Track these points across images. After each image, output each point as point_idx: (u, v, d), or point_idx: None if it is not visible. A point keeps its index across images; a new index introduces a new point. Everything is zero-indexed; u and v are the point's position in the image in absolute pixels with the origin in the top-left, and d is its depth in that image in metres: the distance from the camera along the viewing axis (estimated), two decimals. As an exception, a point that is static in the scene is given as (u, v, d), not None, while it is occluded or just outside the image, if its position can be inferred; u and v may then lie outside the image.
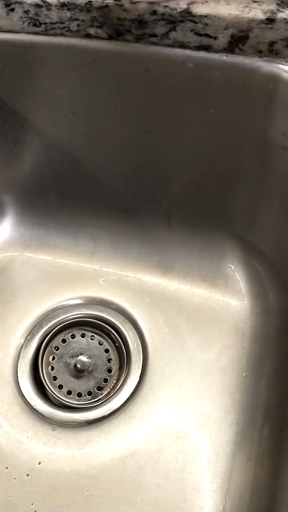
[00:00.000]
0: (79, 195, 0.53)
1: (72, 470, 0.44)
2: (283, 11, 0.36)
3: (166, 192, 0.50)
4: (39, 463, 0.45)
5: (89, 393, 0.50)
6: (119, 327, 0.52)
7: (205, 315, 0.52)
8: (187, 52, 0.39)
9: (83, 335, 0.52)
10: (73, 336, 0.52)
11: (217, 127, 0.43)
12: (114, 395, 0.49)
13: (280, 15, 0.36)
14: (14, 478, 0.44)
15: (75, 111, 0.46)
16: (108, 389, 0.50)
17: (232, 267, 0.51)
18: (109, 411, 0.48)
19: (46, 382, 0.49)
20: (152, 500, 0.42)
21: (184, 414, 0.47)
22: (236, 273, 0.51)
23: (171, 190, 0.50)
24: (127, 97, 0.44)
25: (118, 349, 0.52)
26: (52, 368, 0.50)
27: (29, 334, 0.52)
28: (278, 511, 0.35)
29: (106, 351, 0.52)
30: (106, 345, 0.52)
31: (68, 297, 0.54)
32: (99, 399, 0.49)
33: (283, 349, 0.44)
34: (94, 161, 0.50)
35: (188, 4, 0.37)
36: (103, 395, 0.49)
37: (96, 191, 0.53)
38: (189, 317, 0.52)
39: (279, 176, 0.43)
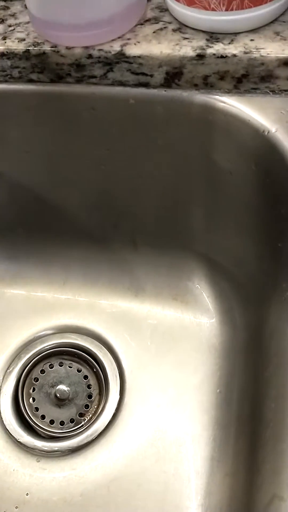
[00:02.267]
0: (47, 227, 0.54)
1: (59, 499, 0.46)
2: (212, 47, 0.37)
3: (128, 217, 0.51)
4: (27, 494, 0.46)
5: (72, 421, 0.51)
6: (95, 353, 0.53)
7: (178, 334, 0.53)
8: (128, 89, 0.40)
9: (61, 364, 0.53)
10: (51, 366, 0.53)
11: (166, 156, 0.44)
12: (95, 421, 0.50)
13: (209, 51, 0.37)
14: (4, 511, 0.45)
15: (30, 150, 0.47)
16: (90, 415, 0.51)
17: (199, 286, 0.52)
18: (91, 438, 0.49)
19: (29, 414, 0.51)
20: (136, 524, 0.43)
21: (163, 434, 0.48)
22: (203, 291, 0.52)
23: (132, 215, 0.51)
24: (77, 133, 0.45)
25: (97, 375, 0.53)
26: (34, 399, 0.52)
27: (8, 367, 0.53)
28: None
29: (85, 377, 0.53)
30: (84, 371, 0.53)
31: (44, 327, 0.55)
32: (82, 426, 0.50)
33: (251, 363, 0.46)
34: (56, 195, 0.51)
35: (121, 46, 0.38)
36: (85, 421, 0.51)
37: (63, 222, 0.54)
38: (163, 337, 0.53)
39: (230, 197, 0.44)
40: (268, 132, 0.37)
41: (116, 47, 0.38)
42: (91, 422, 0.50)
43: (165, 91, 0.40)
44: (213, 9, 0.36)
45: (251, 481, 0.40)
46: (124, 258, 0.55)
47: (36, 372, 0.53)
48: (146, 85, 0.40)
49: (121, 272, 0.55)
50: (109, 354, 0.53)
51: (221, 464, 0.45)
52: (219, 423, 0.47)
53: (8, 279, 0.57)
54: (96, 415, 0.50)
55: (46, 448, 0.49)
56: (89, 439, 0.49)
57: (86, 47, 0.38)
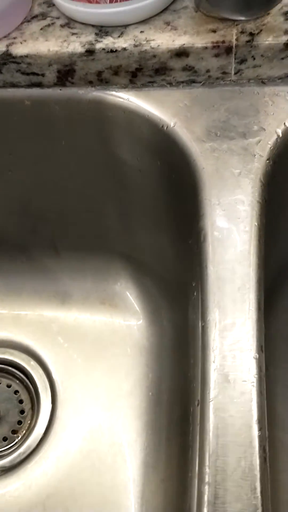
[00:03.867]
0: None
1: (-6, 522, 0.44)
2: (101, 41, 0.35)
3: (46, 222, 0.49)
4: None
5: (4, 439, 0.49)
6: (24, 367, 0.51)
7: (108, 339, 0.51)
8: (21, 90, 0.38)
9: (-11, 381, 0.51)
10: (-21, 384, 0.51)
11: (73, 156, 0.42)
12: (28, 437, 0.48)
13: (99, 46, 0.35)
14: None
15: None
16: (24, 431, 0.49)
17: (125, 286, 0.51)
18: (24, 455, 0.47)
19: None
20: None
21: (98, 445, 0.46)
22: (128, 292, 0.51)
23: (50, 220, 0.49)
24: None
25: (28, 389, 0.51)
26: None
27: None
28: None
29: (16, 392, 0.51)
30: (15, 386, 0.51)
31: None
32: (16, 443, 0.48)
33: (177, 361, 0.45)
34: None
35: (7, 46, 0.36)
36: (18, 438, 0.49)
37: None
38: (93, 344, 0.51)
39: (142, 194, 0.42)
40: (167, 126, 0.36)
41: (1, 47, 0.36)
42: (24, 439, 0.48)
43: (60, 89, 0.38)
44: (97, 2, 0.34)
45: (184, 485, 0.39)
46: (47, 265, 0.53)
47: None
48: (39, 85, 0.38)
49: (45, 280, 0.53)
50: (38, 367, 0.51)
51: (156, 470, 0.44)
52: (152, 428, 0.46)
53: None
54: (29, 431, 0.48)
55: (-24, 472, 0.47)
56: (22, 457, 0.47)
57: None
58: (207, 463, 0.24)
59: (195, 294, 0.33)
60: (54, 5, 0.37)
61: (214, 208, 0.32)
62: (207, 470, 0.24)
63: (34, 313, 0.53)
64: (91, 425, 0.47)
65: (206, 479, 0.24)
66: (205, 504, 0.23)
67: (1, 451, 0.48)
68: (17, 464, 0.47)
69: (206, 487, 0.24)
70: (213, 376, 0.26)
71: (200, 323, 0.28)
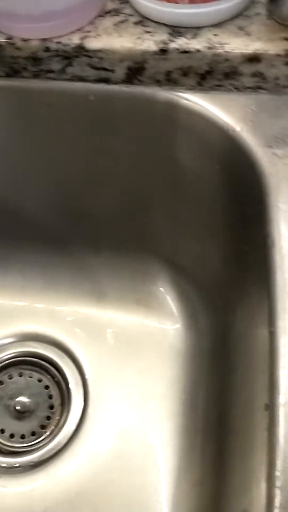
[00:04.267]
0: (5, 231, 0.52)
1: (20, 517, 0.43)
2: (175, 41, 0.35)
3: (89, 219, 0.49)
4: (-13, 513, 0.44)
5: (33, 434, 0.48)
6: (56, 362, 0.51)
7: (142, 340, 0.51)
8: (88, 85, 0.38)
9: (21, 374, 0.51)
10: (10, 377, 0.51)
11: (128, 155, 0.42)
12: (58, 433, 0.48)
13: (172, 46, 0.35)
14: None
15: (-17, 150, 0.44)
16: (52, 427, 0.49)
17: (163, 289, 0.51)
18: (53, 451, 0.47)
19: (-14, 428, 0.48)
20: None
21: (129, 445, 0.46)
22: (167, 295, 0.51)
23: (93, 217, 0.49)
24: (35, 131, 0.43)
25: (58, 384, 0.51)
26: (-8, 413, 0.49)
27: None
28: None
29: (46, 387, 0.50)
30: (45, 381, 0.51)
31: (1, 335, 0.52)
32: (44, 439, 0.48)
33: (217, 368, 0.44)
34: (14, 197, 0.49)
35: (81, 39, 0.36)
36: (47, 434, 0.48)
37: (22, 226, 0.51)
38: (126, 343, 0.51)
39: (194, 198, 0.43)
40: (233, 131, 0.36)
41: (75, 40, 0.36)
42: (53, 435, 0.48)
43: (126, 87, 0.38)
44: (176, 2, 0.34)
45: (219, 491, 0.38)
46: (85, 262, 0.53)
47: (-6, 384, 0.50)
48: (106, 80, 0.38)
49: (82, 277, 0.53)
50: (71, 363, 0.51)
51: (188, 474, 0.43)
52: (185, 431, 0.46)
53: None
54: (59, 427, 0.48)
55: (5, 465, 0.46)
56: (51, 453, 0.47)
57: (44, 40, 0.36)
58: (278, 467, 0.24)
59: (253, 300, 0.33)
60: (127, 2, 0.38)
61: (282, 214, 0.32)
62: (277, 474, 0.24)
63: (69, 309, 0.53)
64: (123, 424, 0.47)
65: (277, 484, 0.24)
66: (277, 508, 0.23)
67: (30, 445, 0.48)
68: (46, 459, 0.46)
69: (278, 491, 0.23)
70: (284, 382, 0.26)
71: (268, 329, 0.28)
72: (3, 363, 0.51)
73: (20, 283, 0.54)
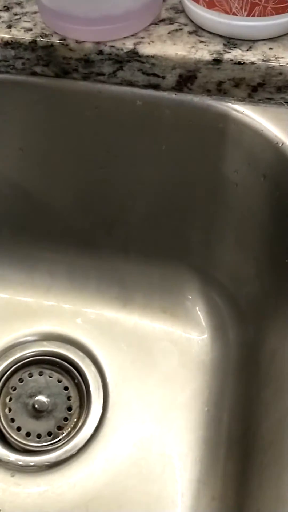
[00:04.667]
0: (34, 229, 0.52)
1: (34, 517, 0.43)
2: (230, 52, 0.36)
3: (123, 224, 0.49)
4: (0, 510, 0.43)
5: (49, 434, 0.48)
6: (78, 364, 0.51)
7: (166, 348, 0.51)
8: (136, 90, 0.39)
9: (41, 373, 0.51)
10: (30, 375, 0.51)
11: (170, 162, 0.42)
12: (75, 435, 0.47)
13: (227, 56, 0.35)
14: (-26, 529, 0.42)
15: (25, 147, 0.45)
16: (69, 429, 0.48)
17: (191, 298, 0.51)
18: (70, 453, 0.47)
19: (4, 425, 0.48)
20: None
21: (147, 453, 0.46)
22: (195, 305, 0.50)
23: (128, 222, 0.49)
24: (78, 132, 0.43)
25: (78, 386, 0.50)
26: (10, 410, 0.49)
27: (-15, 374, 0.50)
28: None
29: (66, 388, 0.50)
30: (65, 382, 0.51)
31: (25, 333, 0.52)
32: (60, 440, 0.48)
33: (243, 381, 0.44)
34: (47, 195, 0.49)
35: (135, 44, 0.36)
36: (63, 435, 0.48)
37: (52, 225, 0.51)
38: (150, 350, 0.51)
39: (233, 209, 0.42)
40: (282, 144, 0.36)
41: (129, 45, 0.36)
42: (71, 436, 0.48)
43: (175, 94, 0.38)
44: (234, 14, 0.35)
45: (242, 505, 0.38)
46: (114, 266, 0.53)
47: (14, 381, 0.50)
48: (156, 87, 0.38)
49: (110, 280, 0.53)
50: (92, 366, 0.51)
51: (207, 486, 0.43)
52: (206, 443, 0.45)
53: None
54: (76, 429, 0.48)
55: (21, 463, 0.46)
56: (68, 454, 0.47)
57: (97, 43, 0.36)
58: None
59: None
60: (182, 11, 0.38)
61: None
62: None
63: (94, 312, 0.53)
64: (142, 432, 0.47)
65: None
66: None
67: (46, 445, 0.48)
68: (63, 460, 0.46)
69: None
70: None
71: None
72: (24, 361, 0.51)
73: (47, 282, 0.54)
